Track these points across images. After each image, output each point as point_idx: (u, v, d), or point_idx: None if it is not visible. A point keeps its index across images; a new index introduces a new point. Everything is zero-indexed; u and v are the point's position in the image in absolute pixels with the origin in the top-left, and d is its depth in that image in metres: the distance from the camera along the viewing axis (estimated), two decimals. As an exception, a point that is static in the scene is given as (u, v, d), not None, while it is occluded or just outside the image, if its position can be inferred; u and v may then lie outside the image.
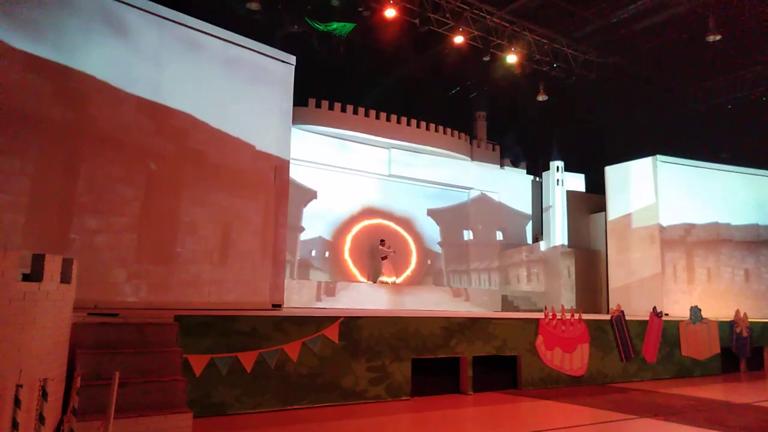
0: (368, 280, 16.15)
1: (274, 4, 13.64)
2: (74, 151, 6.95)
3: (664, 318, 10.35)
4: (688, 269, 13.95)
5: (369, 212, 17.11)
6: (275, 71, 9.29)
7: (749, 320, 11.21)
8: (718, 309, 12.11)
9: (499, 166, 19.57)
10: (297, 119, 13.35)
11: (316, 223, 15.98)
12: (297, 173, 14.16)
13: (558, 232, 17.69)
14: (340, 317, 6.84)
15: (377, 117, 16.84)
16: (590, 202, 17.05)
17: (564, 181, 18.45)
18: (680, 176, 14.35)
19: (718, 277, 14.24)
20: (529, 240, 19.43)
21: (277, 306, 8.66)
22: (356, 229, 16.79)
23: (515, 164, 19.97)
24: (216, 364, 5.87)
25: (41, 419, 3.72)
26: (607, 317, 9.72)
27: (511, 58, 15.45)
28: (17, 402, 3.50)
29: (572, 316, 9.00)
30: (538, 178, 19.74)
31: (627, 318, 9.57)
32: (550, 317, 8.70)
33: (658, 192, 13.99)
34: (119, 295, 7.05)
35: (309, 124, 15.67)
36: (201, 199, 8.00)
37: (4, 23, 6.48)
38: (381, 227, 17.10)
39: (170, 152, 7.82)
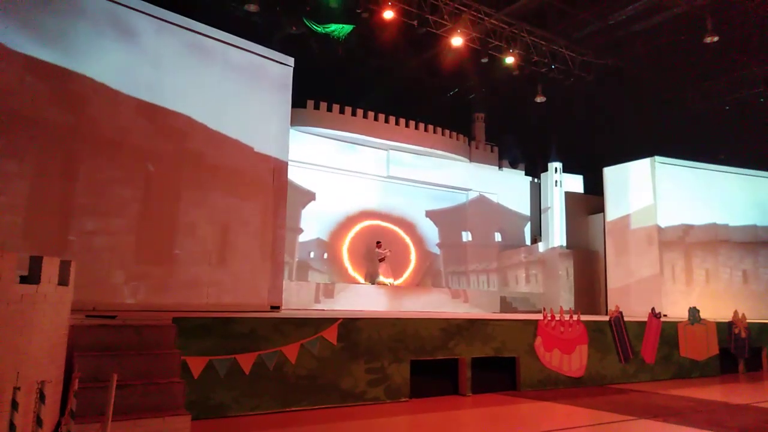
0: (366, 281, 16.13)
1: (273, 6, 13.65)
2: (73, 153, 6.94)
3: (663, 319, 10.34)
4: (686, 270, 13.95)
5: (367, 214, 17.10)
6: (274, 73, 9.29)
7: (747, 321, 11.20)
8: (717, 310, 12.09)
9: (497, 168, 19.58)
10: (295, 121, 13.35)
11: (314, 224, 15.98)
12: (295, 175, 14.15)
13: (556, 234, 17.68)
14: (338, 319, 6.82)
15: (375, 119, 16.86)
16: (588, 204, 17.04)
17: (562, 183, 18.43)
18: (678, 177, 14.34)
19: (717, 278, 14.23)
20: (528, 241, 19.43)
21: (276, 308, 8.65)
22: (355, 230, 16.79)
23: (513, 165, 19.96)
24: (214, 366, 5.85)
25: (39, 422, 3.70)
26: (606, 318, 9.72)
27: (509, 60, 15.46)
28: (14, 404, 3.48)
29: (571, 317, 8.99)
30: (536, 180, 19.73)
31: (626, 319, 9.57)
32: (549, 318, 8.69)
33: (657, 193, 13.99)
34: (117, 297, 7.04)
35: (307, 126, 15.68)
36: (199, 201, 7.99)
37: (3, 25, 6.48)
38: (379, 229, 17.09)
39: (169, 154, 7.82)
